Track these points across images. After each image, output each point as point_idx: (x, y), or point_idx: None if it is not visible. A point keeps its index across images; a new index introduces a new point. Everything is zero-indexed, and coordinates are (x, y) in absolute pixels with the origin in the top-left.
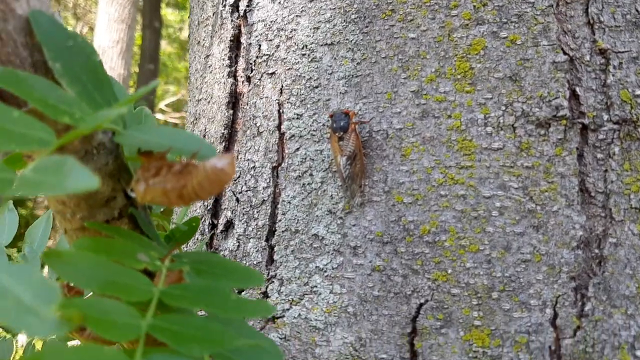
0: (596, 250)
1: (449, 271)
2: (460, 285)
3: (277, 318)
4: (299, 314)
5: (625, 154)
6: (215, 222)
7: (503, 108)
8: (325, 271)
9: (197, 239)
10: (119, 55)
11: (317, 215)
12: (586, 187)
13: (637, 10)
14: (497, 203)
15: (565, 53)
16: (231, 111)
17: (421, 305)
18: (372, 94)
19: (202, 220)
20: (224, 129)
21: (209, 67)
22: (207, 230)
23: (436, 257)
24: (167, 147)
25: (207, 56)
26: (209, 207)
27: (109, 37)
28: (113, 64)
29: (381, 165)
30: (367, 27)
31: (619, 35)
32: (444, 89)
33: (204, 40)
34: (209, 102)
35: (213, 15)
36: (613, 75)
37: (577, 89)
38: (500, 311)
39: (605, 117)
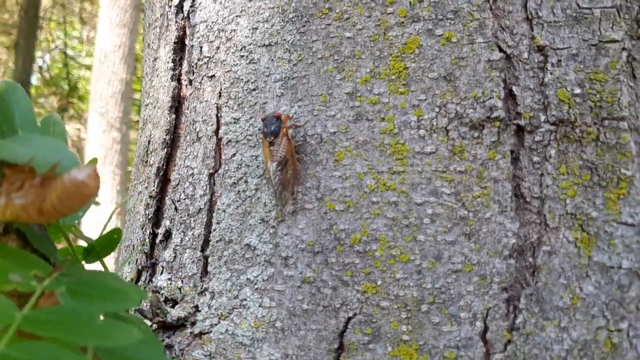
0: (530, 259)
1: (379, 282)
2: (389, 297)
3: (204, 334)
4: (227, 329)
5: (561, 156)
6: (156, 231)
7: (437, 110)
8: (256, 283)
9: (138, 249)
10: (121, 60)
11: (250, 224)
12: (521, 192)
13: (577, 5)
14: (429, 210)
15: (502, 50)
16: (174, 116)
17: (349, 319)
18: (307, 97)
19: (144, 229)
20: (166, 135)
21: (156, 70)
22: (147, 240)
23: (366, 267)
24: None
25: (155, 59)
26: (149, 216)
27: (111, 42)
28: (115, 68)
29: (314, 171)
30: (304, 26)
31: (558, 31)
32: (378, 90)
33: (152, 42)
34: (154, 106)
35: (160, 16)
36: (551, 74)
37: (514, 88)
38: (430, 325)
39: (542, 117)
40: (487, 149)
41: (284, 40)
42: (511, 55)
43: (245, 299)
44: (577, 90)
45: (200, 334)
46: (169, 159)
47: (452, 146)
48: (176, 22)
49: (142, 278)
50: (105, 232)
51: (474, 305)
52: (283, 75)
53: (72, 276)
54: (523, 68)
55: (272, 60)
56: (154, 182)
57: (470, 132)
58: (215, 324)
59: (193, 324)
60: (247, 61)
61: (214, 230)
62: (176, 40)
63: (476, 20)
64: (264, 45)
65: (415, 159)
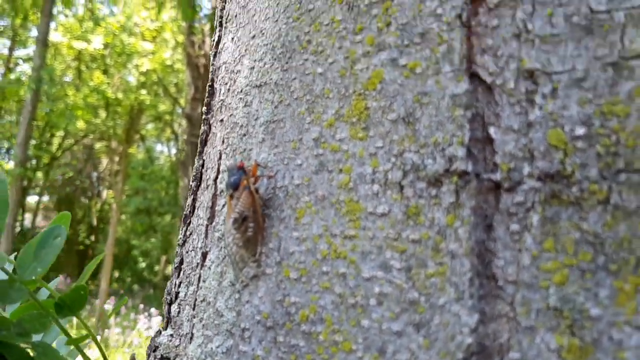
0: None
1: None
2: None
3: None
4: None
5: (547, 225)
6: (176, 282)
7: (393, 160)
8: (216, 355)
9: (166, 298)
10: None
11: (223, 286)
12: (493, 273)
13: (590, 9)
14: (377, 288)
15: (480, 80)
16: (201, 161)
17: None
18: (282, 143)
19: (171, 278)
20: (192, 181)
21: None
22: (172, 290)
23: (309, 353)
24: None
25: (204, 103)
26: (176, 265)
27: None
28: None
29: (278, 230)
30: (287, 63)
31: (556, 49)
32: (340, 135)
33: None
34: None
35: (211, 60)
36: (540, 109)
37: (493, 129)
38: None
39: (526, 170)
40: (445, 212)
41: (271, 80)
42: (493, 85)
43: None
44: (580, 131)
45: None
46: (194, 207)
47: (406, 207)
48: (212, 64)
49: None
50: (72, 287)
51: None
52: (266, 119)
53: None
54: (507, 102)
55: (261, 102)
56: (181, 230)
57: (428, 190)
58: None
59: None
60: (244, 104)
61: (200, 288)
62: (210, 84)
63: (444, 42)
64: (257, 86)
65: (367, 221)
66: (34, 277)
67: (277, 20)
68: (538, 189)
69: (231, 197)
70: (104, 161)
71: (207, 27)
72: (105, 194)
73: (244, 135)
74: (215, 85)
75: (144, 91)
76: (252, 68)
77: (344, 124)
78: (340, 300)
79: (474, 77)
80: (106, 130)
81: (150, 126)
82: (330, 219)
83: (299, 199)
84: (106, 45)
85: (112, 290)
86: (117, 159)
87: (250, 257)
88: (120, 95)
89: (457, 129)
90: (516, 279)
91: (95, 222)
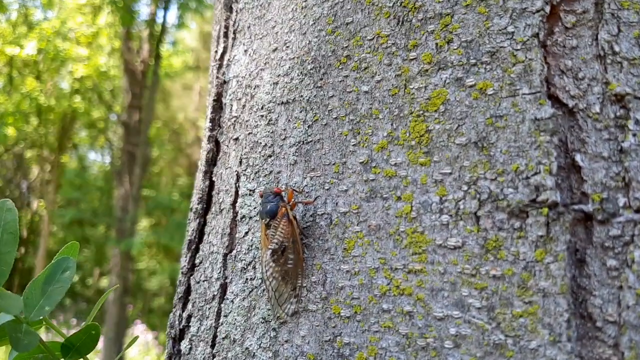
0: None
1: None
2: None
3: None
4: None
5: None
6: (183, 315)
7: (464, 188)
8: None
9: (170, 332)
10: None
11: (253, 323)
12: (589, 313)
13: None
14: (452, 329)
15: (560, 103)
16: (207, 182)
17: None
18: (320, 166)
19: (174, 310)
20: (198, 204)
21: (204, 129)
22: (176, 322)
23: None
24: None
25: (207, 117)
26: (180, 296)
27: None
28: None
29: (322, 262)
30: (321, 79)
31: None
32: (395, 159)
33: (208, 98)
34: (199, 170)
35: (211, 71)
36: (634, 136)
37: (579, 156)
38: None
39: (622, 201)
40: (532, 247)
41: (301, 96)
42: (575, 109)
43: None
44: None
45: None
46: (201, 231)
47: (484, 239)
48: (217, 77)
49: None
50: (82, 327)
51: None
52: (297, 139)
53: None
54: (593, 127)
55: (289, 120)
56: (186, 257)
57: (510, 221)
58: None
59: None
60: (266, 122)
61: (222, 324)
62: (215, 97)
63: (520, 62)
64: (283, 102)
65: (436, 255)
66: (41, 317)
67: (304, 33)
68: (638, 222)
69: (267, 226)
70: (35, 170)
71: (145, 33)
72: (35, 204)
73: (269, 156)
74: (223, 100)
75: (78, 98)
76: (276, 83)
77: (399, 147)
78: (407, 342)
79: (552, 99)
80: (38, 138)
81: (83, 133)
82: (389, 251)
83: (347, 228)
84: (40, 51)
85: None
86: (48, 168)
87: (289, 292)
88: (53, 102)
89: (542, 156)
90: (618, 320)
91: (25, 234)
